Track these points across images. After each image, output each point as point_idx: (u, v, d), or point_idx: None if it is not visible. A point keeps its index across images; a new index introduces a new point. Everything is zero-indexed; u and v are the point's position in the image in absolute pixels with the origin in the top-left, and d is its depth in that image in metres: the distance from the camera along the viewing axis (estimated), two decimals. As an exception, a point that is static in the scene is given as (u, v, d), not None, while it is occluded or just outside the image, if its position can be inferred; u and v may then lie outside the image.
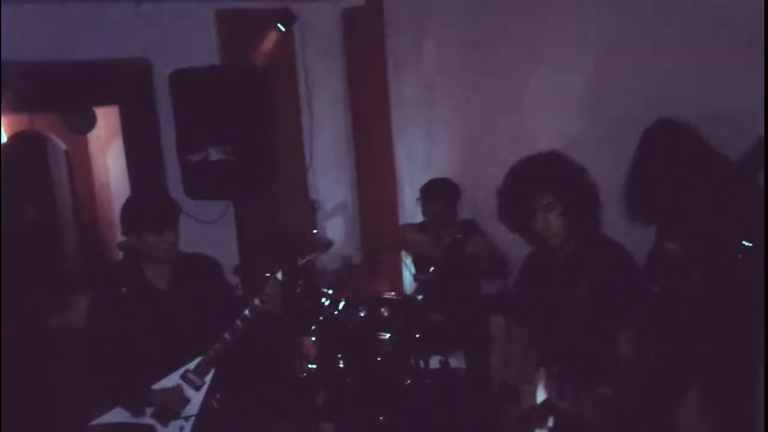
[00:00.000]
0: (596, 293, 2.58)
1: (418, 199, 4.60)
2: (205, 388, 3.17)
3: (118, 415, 3.15)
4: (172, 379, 3.16)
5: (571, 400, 2.52)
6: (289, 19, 5.49)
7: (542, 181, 2.64)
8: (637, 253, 3.23)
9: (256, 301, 3.14)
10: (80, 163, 8.34)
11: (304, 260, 3.31)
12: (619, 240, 2.79)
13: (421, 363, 4.16)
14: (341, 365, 4.31)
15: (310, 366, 4.45)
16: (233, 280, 4.16)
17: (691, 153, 2.89)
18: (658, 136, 3.02)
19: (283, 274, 3.18)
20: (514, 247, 4.14)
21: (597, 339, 2.61)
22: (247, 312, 3.13)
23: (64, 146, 8.06)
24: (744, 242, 2.75)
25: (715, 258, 2.89)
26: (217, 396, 3.23)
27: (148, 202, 3.28)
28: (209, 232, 5.21)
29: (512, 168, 2.74)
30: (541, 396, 2.71)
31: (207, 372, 3.17)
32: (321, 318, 4.48)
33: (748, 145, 2.79)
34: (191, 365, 3.17)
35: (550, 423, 2.65)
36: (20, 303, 5.26)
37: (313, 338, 4.45)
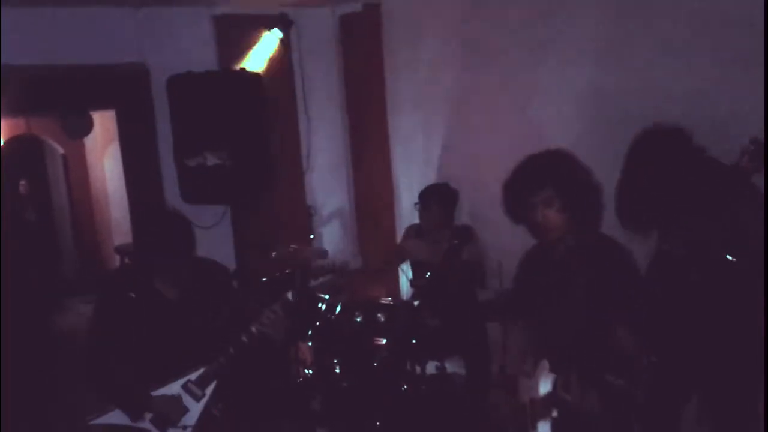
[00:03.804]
0: (593, 289, 2.66)
1: (416, 204, 4.61)
2: (205, 399, 3.17)
3: (116, 417, 3.14)
4: (173, 388, 3.15)
5: (576, 393, 2.59)
6: (286, 24, 5.51)
7: (543, 175, 2.72)
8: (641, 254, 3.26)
9: (264, 319, 3.13)
10: (77, 167, 8.35)
11: (317, 282, 3.29)
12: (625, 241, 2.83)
13: (418, 368, 4.16)
14: (338, 370, 4.30)
15: (306, 371, 4.45)
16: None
17: (680, 158, 2.89)
18: (646, 145, 3.01)
19: (294, 296, 3.17)
20: (511, 252, 4.19)
21: (595, 333, 2.67)
22: (253, 329, 3.13)
23: (61, 150, 8.08)
24: (728, 256, 2.74)
25: (712, 261, 2.88)
26: (219, 406, 3.22)
27: (167, 230, 3.15)
28: (206, 236, 5.21)
29: (519, 163, 2.81)
30: (544, 388, 2.75)
31: (208, 384, 3.17)
32: (318, 323, 4.48)
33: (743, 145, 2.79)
34: (193, 376, 3.17)
35: (554, 414, 2.71)
36: (17, 305, 5.26)
37: (310, 343, 4.45)
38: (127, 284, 3.23)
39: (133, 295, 3.16)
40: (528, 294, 2.95)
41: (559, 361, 2.68)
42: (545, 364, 2.77)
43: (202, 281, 3.25)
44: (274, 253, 4.75)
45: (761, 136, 2.80)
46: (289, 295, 3.17)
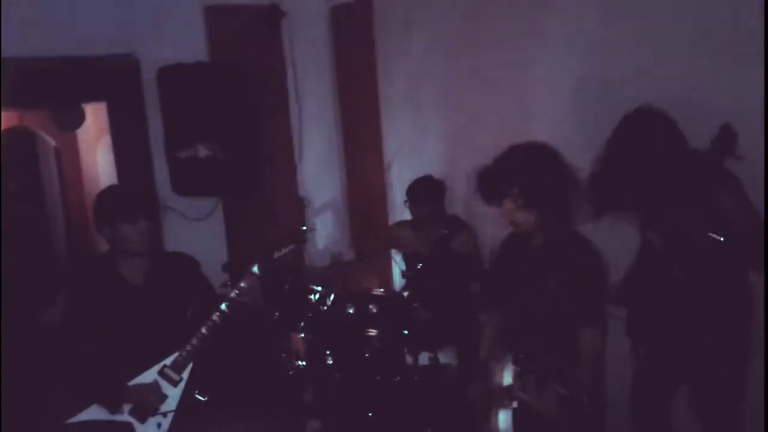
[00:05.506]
0: (562, 289, 2.67)
1: (405, 201, 4.60)
2: (182, 383, 3.16)
3: (95, 412, 3.12)
4: (149, 376, 3.15)
5: (532, 393, 2.60)
6: (277, 15, 5.49)
7: (511, 171, 2.73)
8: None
9: (232, 294, 3.14)
10: (70, 160, 8.31)
11: (280, 253, 3.31)
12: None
13: (410, 359, 4.16)
14: (330, 362, 4.30)
15: (298, 362, 4.45)
16: (222, 277, 4.15)
17: (667, 141, 2.88)
18: (636, 123, 2.99)
19: (259, 268, 3.20)
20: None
21: (560, 332, 2.70)
22: (223, 306, 3.13)
23: (53, 143, 8.04)
24: (714, 235, 2.72)
25: (694, 252, 2.88)
26: (198, 389, 3.21)
27: (120, 192, 3.36)
28: (198, 228, 5.22)
29: (496, 153, 2.84)
30: (507, 379, 2.79)
31: (184, 367, 3.15)
32: (310, 314, 4.48)
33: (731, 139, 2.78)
34: (168, 361, 3.16)
35: (515, 405, 2.74)
36: (9, 300, 5.24)
37: (302, 335, 4.44)
38: (93, 275, 3.24)
39: (99, 285, 3.17)
40: (502, 280, 2.99)
41: (521, 357, 2.71)
42: (509, 355, 2.80)
43: (168, 270, 3.27)
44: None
45: (755, 127, 2.80)
46: (254, 269, 3.19)
